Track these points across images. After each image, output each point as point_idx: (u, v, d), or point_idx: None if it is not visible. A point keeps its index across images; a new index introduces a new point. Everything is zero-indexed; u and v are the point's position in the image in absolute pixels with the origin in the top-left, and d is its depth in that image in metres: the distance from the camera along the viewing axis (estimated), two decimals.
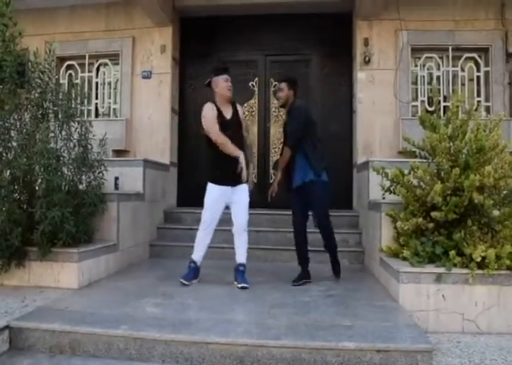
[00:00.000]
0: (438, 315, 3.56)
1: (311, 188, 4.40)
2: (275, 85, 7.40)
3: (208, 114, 4.34)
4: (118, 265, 5.02)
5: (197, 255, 4.46)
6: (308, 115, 4.53)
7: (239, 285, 4.29)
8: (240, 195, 4.39)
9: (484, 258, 3.52)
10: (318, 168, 4.40)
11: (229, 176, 4.28)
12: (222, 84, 4.37)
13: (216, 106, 4.38)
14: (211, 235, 4.46)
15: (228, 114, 4.40)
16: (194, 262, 4.47)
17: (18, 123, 4.39)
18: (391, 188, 4.44)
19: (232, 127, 4.34)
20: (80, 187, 4.63)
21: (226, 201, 4.40)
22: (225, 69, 4.48)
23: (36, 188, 4.24)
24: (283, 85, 4.57)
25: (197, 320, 3.27)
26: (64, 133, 4.53)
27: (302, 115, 4.48)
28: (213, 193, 4.37)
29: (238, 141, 4.34)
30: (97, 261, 4.56)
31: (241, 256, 4.47)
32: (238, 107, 4.52)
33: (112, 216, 4.97)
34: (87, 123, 4.72)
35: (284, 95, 4.55)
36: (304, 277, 4.51)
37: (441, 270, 3.60)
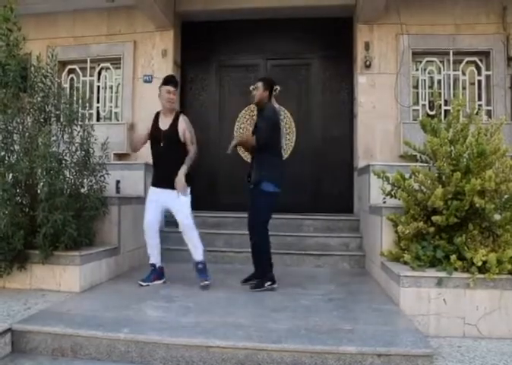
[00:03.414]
0: (439, 320, 3.56)
1: (252, 195, 4.44)
2: (276, 89, 7.41)
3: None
4: (119, 268, 5.04)
5: (152, 258, 4.65)
6: (277, 121, 4.54)
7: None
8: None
9: (485, 262, 3.52)
10: (261, 177, 4.35)
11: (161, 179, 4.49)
12: (164, 95, 4.45)
13: (157, 115, 4.53)
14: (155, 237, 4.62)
15: (165, 125, 4.46)
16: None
17: (21, 127, 4.41)
18: (392, 192, 4.45)
19: (165, 139, 4.41)
20: (82, 190, 4.65)
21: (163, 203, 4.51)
22: (171, 80, 4.54)
23: (39, 191, 4.27)
24: (259, 84, 4.55)
25: (198, 323, 3.28)
26: (66, 137, 4.55)
27: (272, 118, 4.46)
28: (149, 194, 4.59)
29: (174, 152, 4.40)
30: (99, 264, 4.57)
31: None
32: (181, 121, 4.48)
33: (114, 219, 4.99)
34: (89, 127, 4.73)
35: (258, 94, 4.53)
36: (255, 277, 4.50)
37: (442, 274, 3.60)
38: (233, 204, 6.37)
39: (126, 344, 3.01)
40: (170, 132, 4.42)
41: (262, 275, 4.42)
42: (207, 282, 4.39)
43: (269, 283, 4.38)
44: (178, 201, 4.42)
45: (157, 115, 4.54)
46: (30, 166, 4.16)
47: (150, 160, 6.25)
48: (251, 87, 4.61)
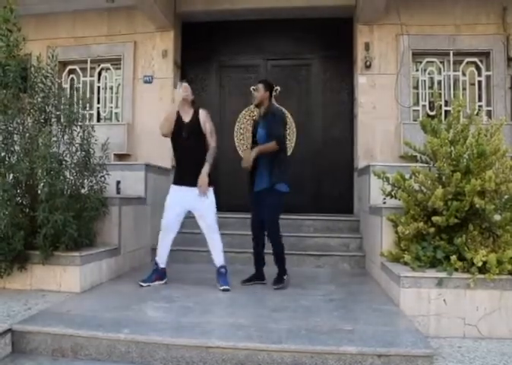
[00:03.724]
0: (439, 320, 3.56)
1: (264, 196, 4.47)
2: (276, 89, 7.43)
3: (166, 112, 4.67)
4: (119, 268, 5.04)
5: (158, 257, 4.62)
6: (286, 121, 4.76)
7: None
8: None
9: (485, 262, 3.52)
10: (277, 178, 4.43)
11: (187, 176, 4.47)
12: (178, 90, 4.58)
13: (178, 113, 4.57)
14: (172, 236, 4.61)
15: (186, 117, 4.55)
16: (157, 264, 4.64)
17: (21, 127, 4.41)
18: (392, 193, 4.45)
19: (188, 130, 4.46)
20: (82, 191, 4.65)
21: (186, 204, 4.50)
22: (183, 79, 4.84)
23: (39, 192, 4.26)
24: (260, 86, 4.65)
25: (199, 324, 3.27)
26: (66, 137, 4.55)
27: (283, 118, 4.69)
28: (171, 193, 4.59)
29: (197, 144, 4.46)
30: (99, 264, 4.57)
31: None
32: (202, 113, 4.58)
33: (114, 220, 4.99)
34: (89, 127, 4.73)
35: (260, 95, 4.63)
36: (255, 278, 4.65)
37: (442, 274, 3.60)
38: (234, 205, 6.37)
39: (126, 345, 3.01)
40: (192, 123, 4.50)
41: (284, 271, 4.54)
42: (227, 287, 4.35)
43: (285, 275, 4.52)
44: (204, 203, 4.43)
45: (177, 113, 4.57)
46: (31, 167, 4.16)
47: (151, 161, 6.33)
48: (252, 88, 4.63)
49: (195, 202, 4.42)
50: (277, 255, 4.56)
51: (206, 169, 4.39)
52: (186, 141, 4.44)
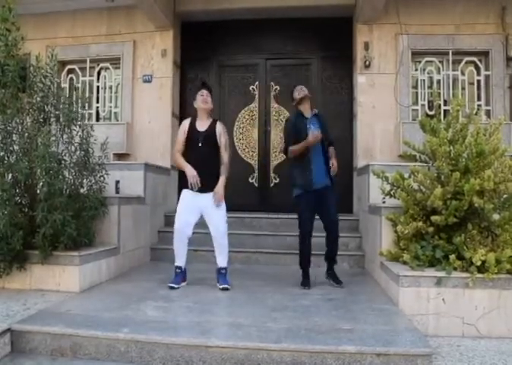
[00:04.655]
0: (438, 319, 3.56)
1: (330, 191, 4.56)
2: (275, 89, 7.44)
3: (180, 127, 4.65)
4: (119, 268, 5.03)
5: (179, 261, 4.55)
6: None
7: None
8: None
9: (484, 262, 3.52)
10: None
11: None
12: (198, 98, 4.58)
13: (193, 119, 4.58)
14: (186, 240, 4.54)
15: (202, 127, 4.52)
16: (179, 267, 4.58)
17: (20, 127, 4.40)
18: (391, 192, 4.46)
19: (203, 139, 4.45)
20: (82, 191, 4.65)
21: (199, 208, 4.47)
22: (202, 84, 4.79)
23: (38, 191, 4.26)
24: (303, 87, 4.72)
25: (198, 323, 3.28)
26: (65, 137, 4.55)
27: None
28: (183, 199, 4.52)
29: (212, 153, 4.48)
30: (98, 264, 4.57)
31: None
32: (219, 125, 4.58)
33: (113, 219, 4.98)
34: (88, 127, 4.73)
35: (303, 94, 4.64)
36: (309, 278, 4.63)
37: (441, 274, 3.60)
38: (234, 205, 6.37)
39: (126, 344, 3.01)
40: (208, 133, 4.50)
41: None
42: (227, 286, 4.39)
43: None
44: (218, 211, 4.44)
45: (192, 120, 4.58)
46: (30, 167, 4.16)
47: (150, 160, 6.34)
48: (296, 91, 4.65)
49: (208, 208, 4.43)
50: (336, 248, 4.69)
51: (222, 182, 4.44)
52: (201, 148, 4.44)
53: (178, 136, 4.57)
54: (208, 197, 4.40)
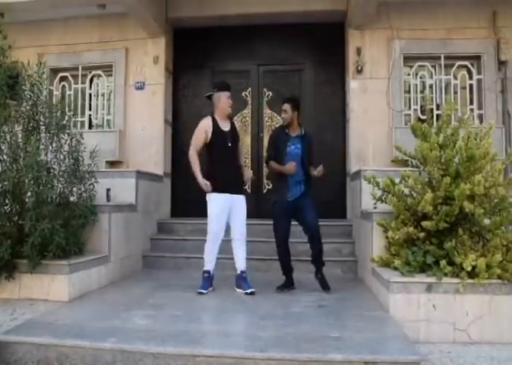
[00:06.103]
0: (429, 325, 3.53)
1: (305, 196, 4.67)
2: (268, 95, 7.43)
3: (201, 126, 4.59)
4: (109, 276, 4.99)
5: (210, 265, 4.59)
6: None
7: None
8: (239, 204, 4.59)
9: (474, 267, 3.50)
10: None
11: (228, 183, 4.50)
12: (224, 101, 4.61)
13: (214, 119, 4.59)
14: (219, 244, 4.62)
15: (226, 127, 4.61)
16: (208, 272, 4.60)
17: (8, 136, 4.38)
18: (382, 198, 4.44)
19: (231, 138, 4.57)
20: (71, 199, 4.62)
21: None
22: (229, 86, 4.72)
23: (26, 200, 4.23)
24: (287, 107, 4.66)
25: (186, 332, 3.25)
26: (54, 145, 4.53)
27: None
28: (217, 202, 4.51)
29: (235, 152, 4.64)
30: (88, 273, 4.54)
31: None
32: (235, 124, 4.80)
33: (104, 228, 4.95)
34: (78, 135, 4.71)
35: (288, 116, 4.65)
36: (288, 285, 4.67)
37: (432, 279, 3.58)
38: None
39: (112, 354, 2.98)
40: (232, 132, 4.63)
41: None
42: (253, 290, 4.45)
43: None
44: (244, 209, 4.60)
45: (213, 120, 4.59)
46: (18, 176, 4.14)
47: (143, 168, 6.31)
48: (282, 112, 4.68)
49: (237, 209, 4.54)
50: (322, 257, 4.67)
51: (248, 172, 4.84)
52: (230, 149, 4.54)
53: (198, 135, 4.56)
54: (238, 198, 4.54)
